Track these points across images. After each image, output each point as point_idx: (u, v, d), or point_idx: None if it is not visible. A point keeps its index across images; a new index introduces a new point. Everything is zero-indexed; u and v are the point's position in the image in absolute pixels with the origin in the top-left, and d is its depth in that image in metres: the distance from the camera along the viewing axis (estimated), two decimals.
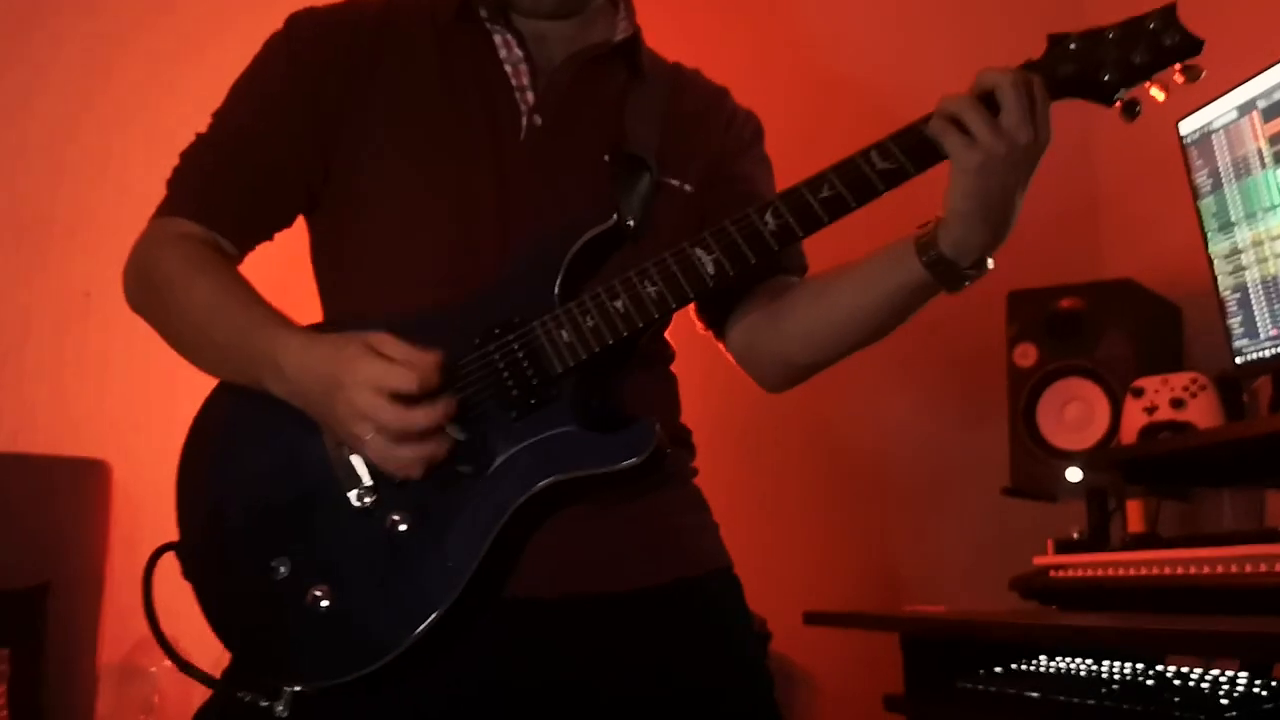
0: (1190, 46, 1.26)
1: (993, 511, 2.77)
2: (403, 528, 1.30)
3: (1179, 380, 2.31)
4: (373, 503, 1.30)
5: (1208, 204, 2.26)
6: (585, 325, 1.32)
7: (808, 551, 2.91)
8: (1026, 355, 2.69)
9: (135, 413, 2.51)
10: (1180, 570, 1.94)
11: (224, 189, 1.43)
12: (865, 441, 3.01)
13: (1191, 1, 2.86)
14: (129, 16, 2.71)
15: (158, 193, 1.47)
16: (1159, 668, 1.77)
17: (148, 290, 1.42)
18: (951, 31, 3.07)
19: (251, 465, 1.36)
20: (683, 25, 3.01)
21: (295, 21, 1.50)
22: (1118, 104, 1.29)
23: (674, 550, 1.44)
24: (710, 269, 1.32)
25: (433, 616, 1.26)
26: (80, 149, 2.65)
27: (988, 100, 1.25)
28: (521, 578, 1.33)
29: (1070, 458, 2.56)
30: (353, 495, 1.31)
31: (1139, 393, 2.36)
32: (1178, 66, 1.27)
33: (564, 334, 1.33)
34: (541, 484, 1.29)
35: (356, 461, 1.31)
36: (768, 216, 1.32)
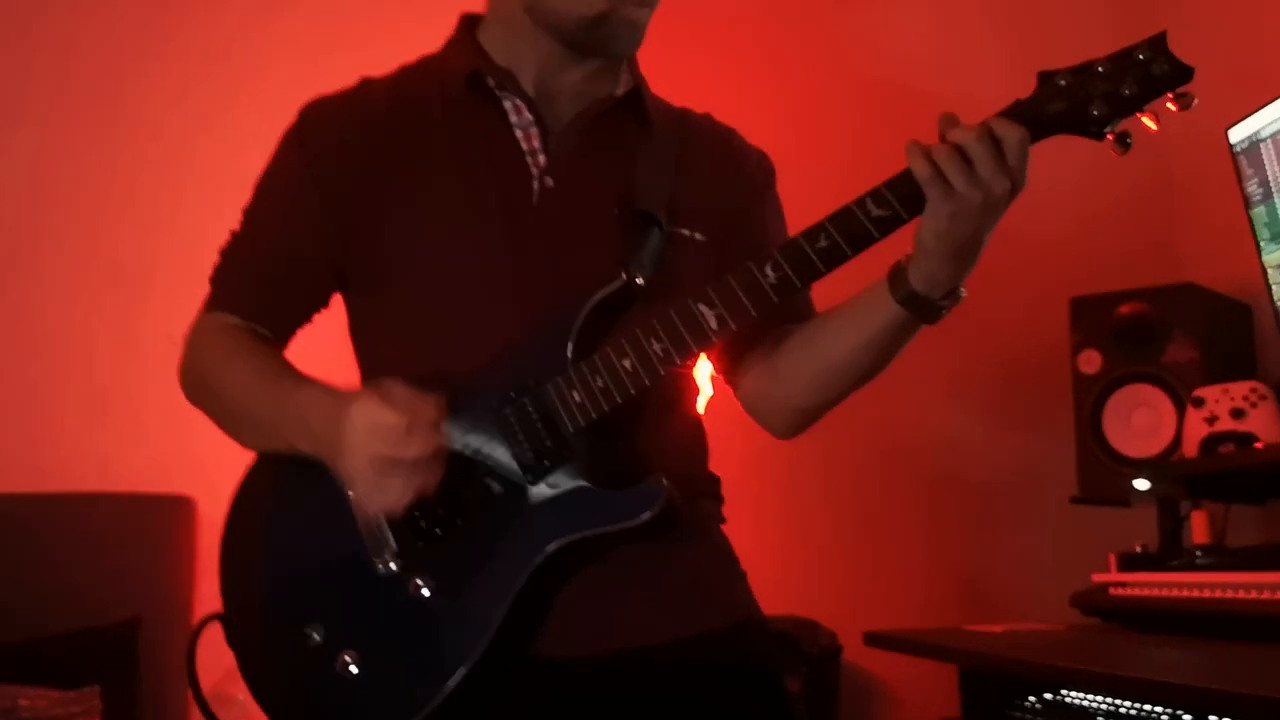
0: (1180, 75, 1.25)
1: (1062, 520, 2.74)
2: (426, 592, 1.35)
3: (1239, 390, 2.27)
4: (399, 568, 1.36)
5: (1259, 213, 2.21)
6: (595, 385, 1.36)
7: (877, 564, 2.92)
8: (1091, 362, 2.65)
9: (217, 451, 2.60)
10: (1243, 594, 1.90)
11: (257, 283, 1.53)
12: (933, 452, 3.01)
13: (1237, 10, 2.80)
14: (235, 71, 2.83)
15: None
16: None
17: (197, 383, 1.52)
18: (1001, 33, 3.03)
19: (286, 535, 1.43)
20: (730, 36, 3.04)
21: (308, 115, 1.55)
22: (1109, 137, 1.28)
23: (701, 603, 1.47)
24: (713, 324, 1.35)
25: (460, 673, 1.31)
26: (179, 200, 2.80)
27: (963, 153, 1.26)
28: (555, 638, 1.37)
29: (1139, 465, 2.52)
30: (379, 561, 1.37)
31: (1199, 403, 2.32)
32: (1169, 95, 1.26)
33: (575, 395, 1.37)
34: (554, 545, 1.34)
35: (382, 526, 1.37)
36: (768, 269, 1.34)
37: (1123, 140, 1.28)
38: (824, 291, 1.50)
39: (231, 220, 1.56)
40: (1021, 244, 2.52)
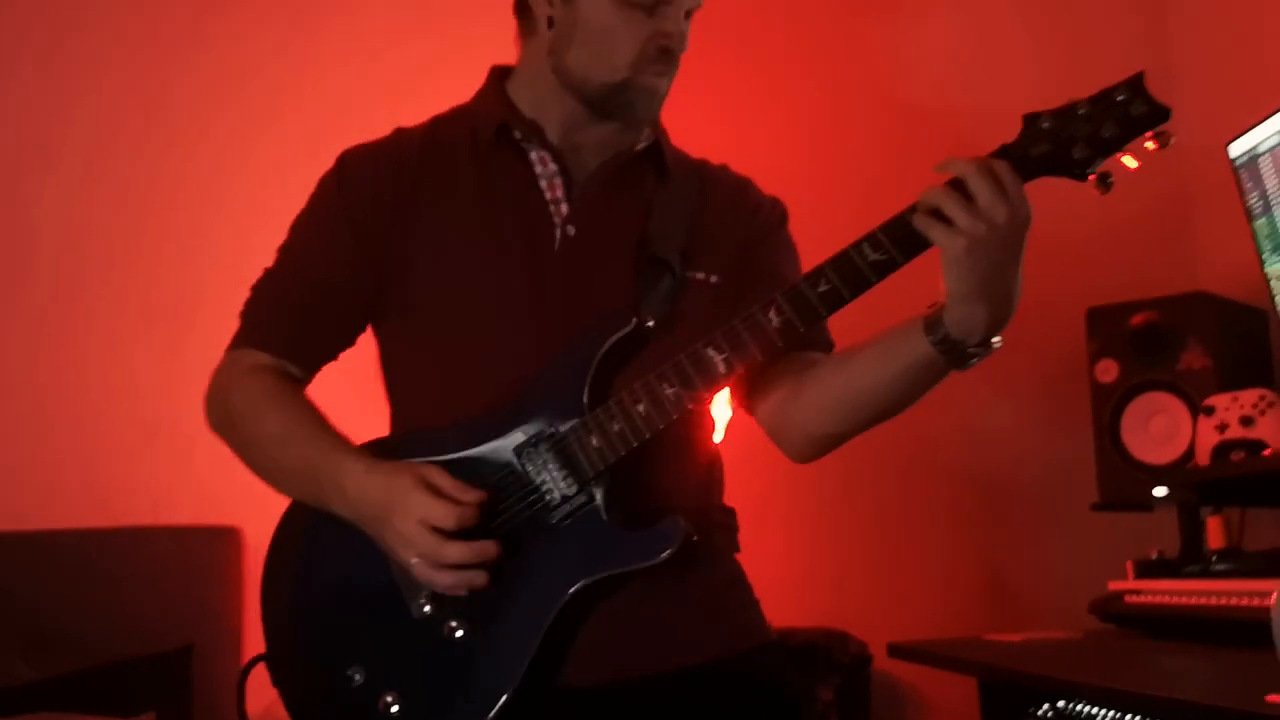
0: (1157, 115, 1.30)
1: (1083, 526, 2.79)
2: (459, 633, 1.44)
3: (1248, 398, 2.32)
4: (432, 611, 1.44)
5: (1261, 225, 2.26)
6: (612, 430, 1.43)
7: (904, 574, 2.97)
8: (1108, 371, 2.71)
9: (261, 482, 2.71)
10: (1257, 602, 1.94)
11: (289, 320, 1.59)
12: (955, 461, 3.06)
13: (1235, 24, 2.83)
14: (270, 101, 2.92)
15: None
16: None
17: (225, 420, 1.58)
18: (1029, 56, 3.07)
19: (326, 578, 1.52)
20: (759, 63, 3.10)
21: (345, 160, 1.64)
22: (1091, 178, 1.33)
23: (715, 630, 1.55)
24: (721, 367, 1.42)
25: (495, 709, 1.40)
26: (217, 232, 2.89)
27: (961, 187, 1.31)
28: (578, 669, 1.45)
29: (1157, 472, 2.58)
30: (414, 605, 1.45)
31: (1210, 411, 2.37)
32: (1149, 134, 1.31)
33: (594, 440, 1.44)
34: (578, 585, 1.42)
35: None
36: (771, 313, 1.41)
37: (1104, 181, 1.32)
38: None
39: (268, 251, 1.64)
40: (1038, 256, 2.57)
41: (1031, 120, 1.34)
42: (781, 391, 1.59)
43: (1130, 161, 1.32)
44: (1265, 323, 2.69)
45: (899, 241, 1.35)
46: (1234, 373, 2.56)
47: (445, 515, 1.39)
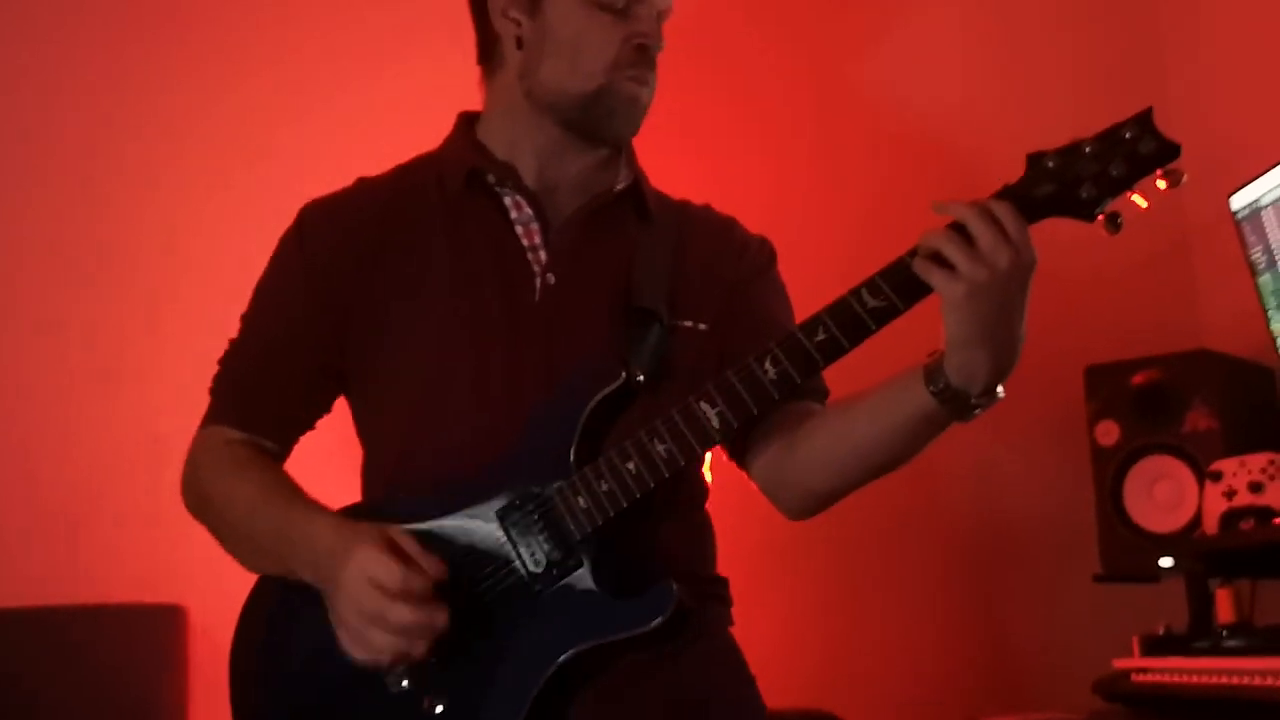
0: (1167, 152, 1.32)
1: (1085, 598, 2.79)
2: (439, 709, 1.43)
3: (1256, 461, 2.33)
4: (410, 686, 1.44)
5: (1265, 281, 2.30)
6: (600, 490, 1.44)
7: (893, 649, 2.96)
8: (1109, 433, 2.72)
9: (209, 556, 2.67)
10: (1271, 681, 1.94)
11: (258, 393, 1.61)
12: (948, 529, 3.06)
13: (1234, 72, 2.88)
14: (225, 160, 2.90)
15: (221, 343, 1.66)
16: None
17: (199, 501, 1.60)
18: (1025, 84, 3.14)
19: (298, 656, 1.51)
20: (747, 93, 3.11)
21: (306, 216, 1.66)
22: (1100, 218, 1.35)
23: (710, 710, 1.55)
24: (715, 423, 1.44)
25: None
26: (158, 298, 2.86)
27: (962, 231, 1.33)
28: None
29: (1162, 541, 2.58)
30: (390, 679, 1.44)
31: (1217, 476, 2.38)
32: (1159, 173, 1.32)
33: (581, 500, 1.45)
34: (566, 655, 1.42)
35: None
36: (767, 364, 1.42)
37: (1113, 221, 1.34)
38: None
39: (212, 319, 1.65)
40: (1031, 310, 2.58)
41: (1035, 159, 1.36)
42: (776, 445, 1.60)
43: (1140, 201, 1.34)
44: (1272, 381, 2.72)
45: (899, 287, 1.37)
46: (1241, 434, 2.58)
47: (391, 575, 1.38)
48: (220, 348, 1.67)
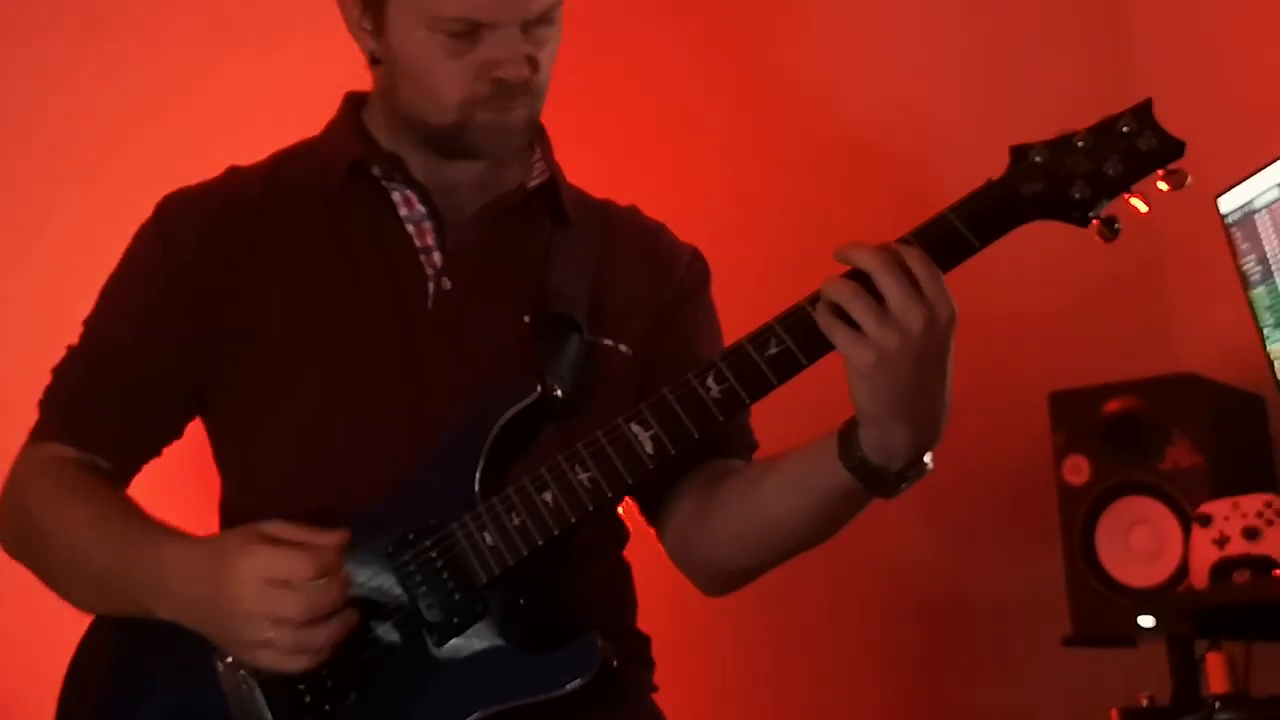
0: (1170, 150, 1.35)
1: (1054, 664, 2.80)
2: None
3: (1251, 504, 2.38)
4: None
5: (1259, 295, 2.35)
6: (511, 524, 1.44)
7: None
8: (1078, 470, 2.74)
9: (13, 626, 2.55)
10: None
11: (98, 407, 1.59)
12: (897, 586, 3.06)
13: (1230, 68, 2.95)
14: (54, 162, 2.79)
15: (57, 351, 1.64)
16: None
17: (19, 530, 1.57)
18: (973, 81, 3.16)
19: (150, 712, 1.48)
20: (653, 86, 3.10)
21: (166, 208, 1.65)
22: (1094, 223, 1.37)
23: None
24: (649, 447, 1.43)
25: None
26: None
27: (869, 283, 1.32)
28: None
29: (1141, 596, 2.60)
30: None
31: (1206, 521, 2.41)
32: (1160, 173, 1.35)
33: (487, 536, 1.44)
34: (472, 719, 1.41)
35: (257, 701, 1.42)
36: (710, 381, 1.42)
37: (1109, 226, 1.37)
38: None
39: (71, 325, 1.62)
40: (990, 331, 2.60)
41: (1020, 153, 1.38)
42: (687, 507, 1.61)
43: (1140, 205, 1.37)
44: (1263, 410, 2.78)
45: (799, 337, 1.37)
46: (1230, 473, 2.63)
47: (294, 562, 1.36)
48: (55, 356, 1.64)
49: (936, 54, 3.21)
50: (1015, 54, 3.17)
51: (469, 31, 1.52)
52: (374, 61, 1.62)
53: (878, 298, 1.31)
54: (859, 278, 1.32)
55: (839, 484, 1.43)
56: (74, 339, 1.64)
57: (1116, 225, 1.36)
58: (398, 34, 1.56)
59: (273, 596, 1.35)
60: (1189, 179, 1.35)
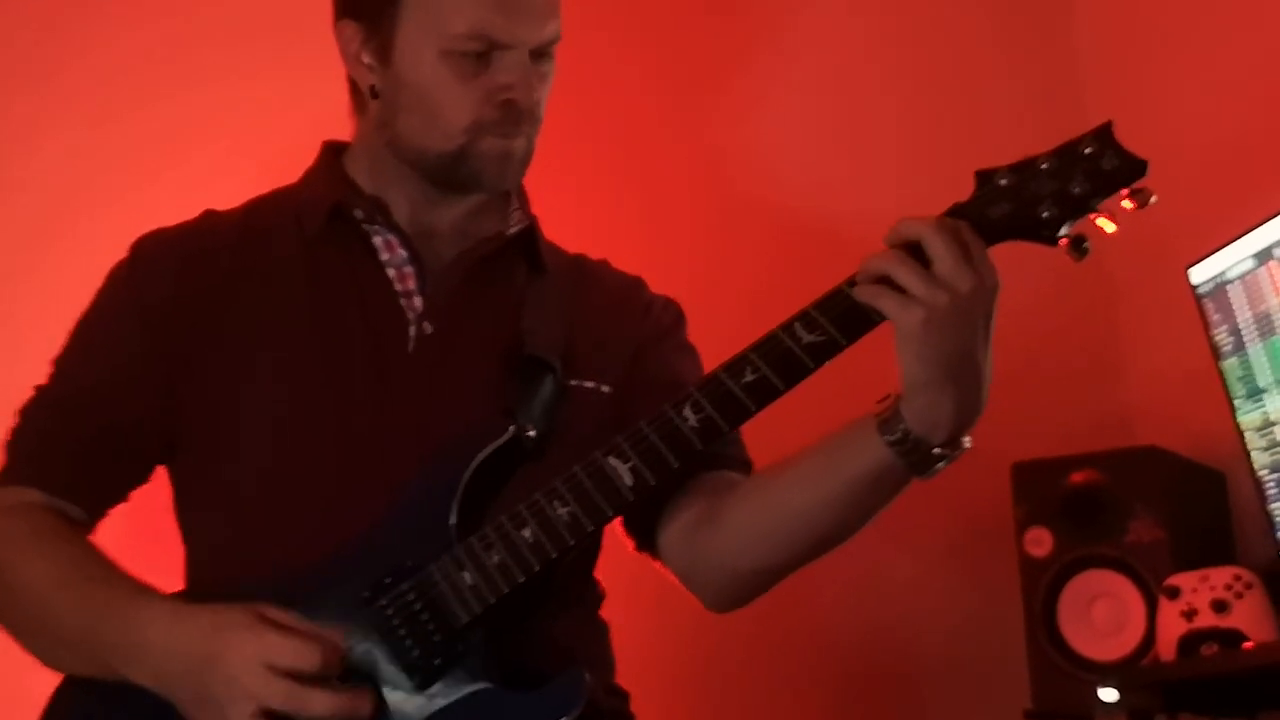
0: (1133, 169, 1.38)
1: None
2: None
3: (1220, 577, 2.39)
4: None
5: (1231, 366, 2.38)
6: (490, 562, 1.44)
7: None
8: (1040, 542, 2.75)
9: None
10: None
11: (66, 451, 1.58)
12: (852, 655, 3.05)
13: (1203, 135, 3.01)
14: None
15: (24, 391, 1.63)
16: None
17: None
18: (902, 132, 3.19)
19: None
20: (625, 148, 3.11)
21: (140, 250, 1.66)
22: (1063, 242, 1.40)
23: None
24: (628, 479, 1.44)
25: None
26: None
27: (914, 252, 1.36)
28: None
29: (1104, 670, 2.60)
30: None
31: (1174, 593, 2.42)
32: (1124, 192, 1.39)
33: (466, 576, 1.44)
34: None
35: None
36: (687, 411, 1.44)
37: (1078, 246, 1.40)
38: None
39: (39, 364, 1.62)
40: None
41: (986, 177, 1.42)
42: (691, 516, 1.61)
43: (1107, 225, 1.41)
44: (1222, 486, 2.80)
45: (838, 319, 1.39)
46: (1193, 547, 2.64)
47: (298, 652, 1.36)
48: (23, 397, 1.64)
49: (857, 109, 3.26)
50: (974, 128, 3.22)
51: (481, 53, 1.56)
52: (372, 95, 1.64)
53: (923, 264, 1.34)
54: (901, 250, 1.35)
55: (873, 466, 1.43)
56: (42, 378, 1.63)
57: (1085, 244, 1.39)
58: (406, 60, 1.59)
59: (270, 683, 1.35)
60: (1153, 198, 1.38)
